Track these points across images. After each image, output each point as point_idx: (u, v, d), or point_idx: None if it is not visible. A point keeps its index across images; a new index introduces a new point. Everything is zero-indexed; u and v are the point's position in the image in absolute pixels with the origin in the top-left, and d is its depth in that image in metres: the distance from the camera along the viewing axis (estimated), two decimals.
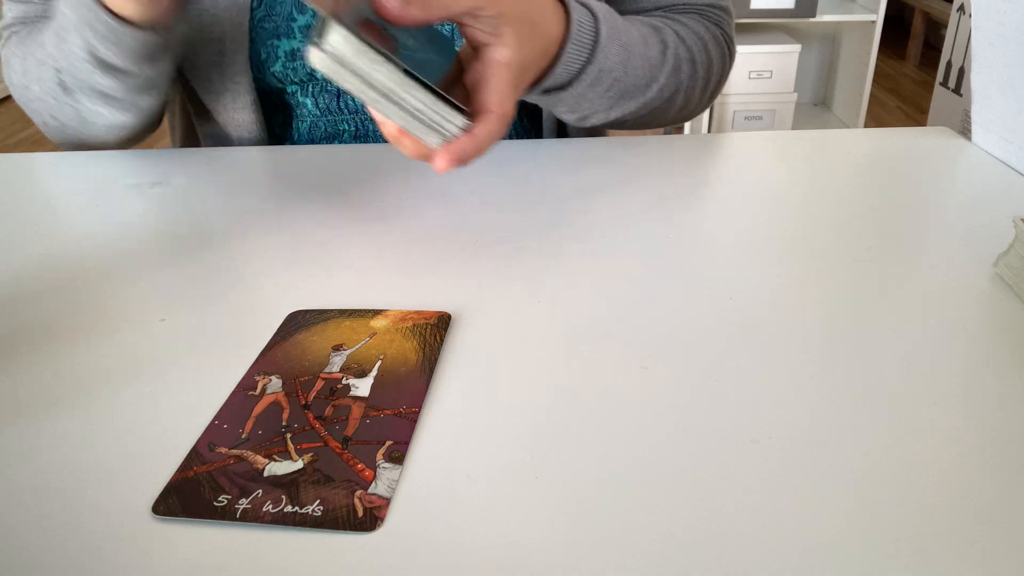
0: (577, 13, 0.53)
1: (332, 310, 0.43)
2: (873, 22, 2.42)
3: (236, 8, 0.63)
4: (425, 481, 0.32)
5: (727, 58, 0.70)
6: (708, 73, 0.66)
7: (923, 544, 0.28)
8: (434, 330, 0.41)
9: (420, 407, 0.36)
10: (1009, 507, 0.30)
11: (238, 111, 0.68)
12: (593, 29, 0.54)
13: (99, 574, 0.28)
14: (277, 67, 0.66)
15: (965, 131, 0.66)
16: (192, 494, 0.31)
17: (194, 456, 0.33)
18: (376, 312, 0.43)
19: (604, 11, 0.56)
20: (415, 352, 0.40)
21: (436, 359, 0.39)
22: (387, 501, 0.31)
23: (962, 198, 0.55)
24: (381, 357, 0.39)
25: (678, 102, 0.65)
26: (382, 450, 0.33)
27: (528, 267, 0.47)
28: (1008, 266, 0.44)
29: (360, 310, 0.43)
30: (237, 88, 0.67)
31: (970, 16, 0.65)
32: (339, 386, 0.37)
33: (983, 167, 0.60)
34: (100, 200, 0.57)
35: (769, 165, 0.61)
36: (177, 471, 0.33)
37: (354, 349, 0.40)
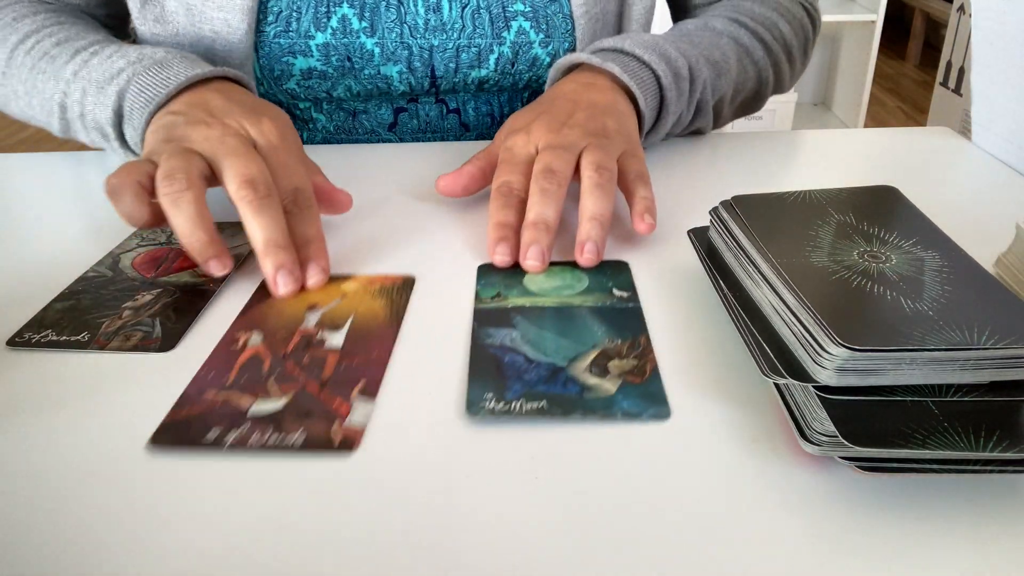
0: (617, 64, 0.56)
1: None
2: (873, 22, 2.42)
3: (237, 17, 0.61)
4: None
5: (807, 21, 0.72)
6: (787, 48, 0.69)
7: None
8: (400, 291, 0.45)
9: (390, 353, 0.39)
10: None
11: None
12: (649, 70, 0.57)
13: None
14: (291, 84, 0.64)
15: (965, 131, 0.66)
16: (184, 430, 0.34)
17: (184, 400, 0.36)
18: (346, 277, 0.46)
19: (651, 48, 0.57)
20: (383, 309, 0.43)
21: (403, 314, 0.43)
22: (362, 430, 0.34)
23: (962, 198, 0.55)
24: (352, 314, 0.43)
25: (768, 79, 0.68)
26: (356, 388, 0.37)
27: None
28: (1008, 266, 0.44)
29: (331, 276, 0.46)
30: None
31: (970, 16, 0.65)
32: (315, 339, 0.40)
33: (983, 167, 0.60)
34: (100, 200, 0.57)
35: (769, 165, 0.61)
36: (169, 413, 0.35)
37: (327, 308, 0.43)
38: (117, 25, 0.69)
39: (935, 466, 0.29)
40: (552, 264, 0.46)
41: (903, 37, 3.70)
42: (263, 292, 0.45)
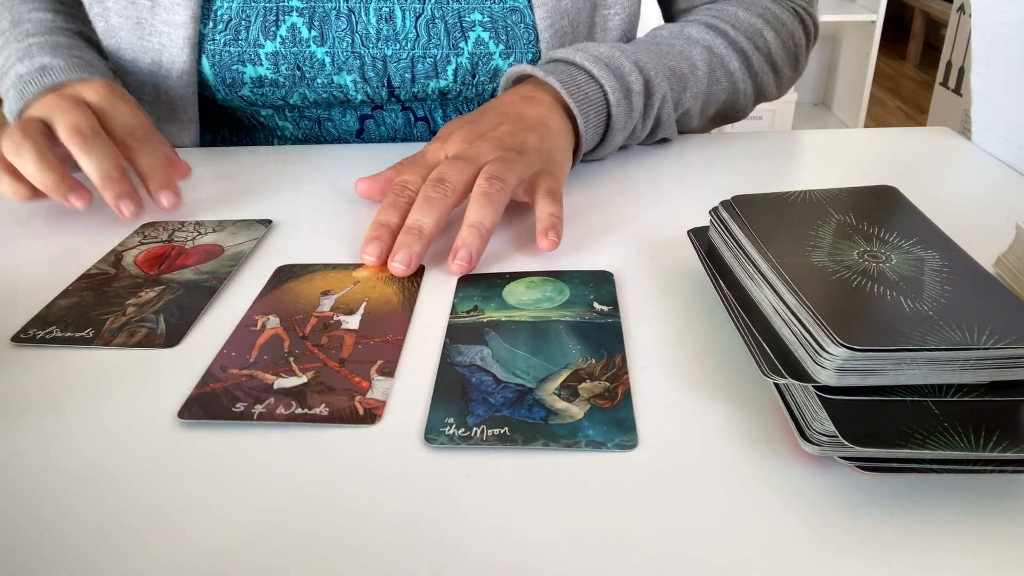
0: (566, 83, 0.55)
1: (317, 264, 0.48)
2: (873, 22, 2.42)
3: (178, 32, 0.61)
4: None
5: (797, 28, 0.70)
6: (770, 58, 0.67)
7: None
8: (411, 278, 0.46)
9: (404, 335, 0.41)
10: None
11: (173, 123, 0.66)
12: (602, 101, 0.56)
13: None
14: (245, 92, 0.64)
15: (965, 131, 0.66)
16: (212, 403, 0.36)
17: (209, 376, 0.37)
18: (357, 265, 0.47)
19: (607, 69, 0.56)
20: (396, 295, 0.44)
21: (415, 300, 0.44)
22: (383, 403, 0.36)
23: (962, 198, 0.55)
24: (366, 300, 0.44)
25: (746, 91, 0.67)
26: (375, 367, 0.38)
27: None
28: (1008, 266, 0.44)
29: (343, 264, 0.48)
30: (173, 101, 0.65)
31: (970, 16, 0.65)
32: (331, 321, 0.42)
33: (983, 167, 0.60)
34: (101, 198, 0.57)
35: (769, 165, 0.61)
36: (195, 388, 0.37)
37: (341, 294, 0.44)
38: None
39: (935, 466, 0.29)
40: (533, 275, 0.46)
41: (903, 37, 3.70)
42: (277, 279, 0.46)
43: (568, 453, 0.33)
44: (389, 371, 0.38)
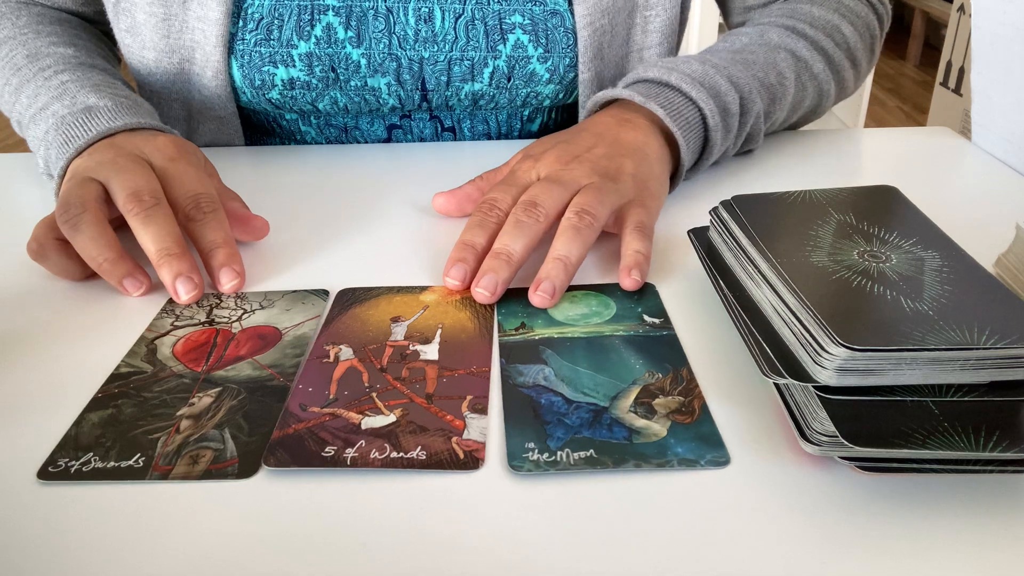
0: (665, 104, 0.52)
1: (379, 287, 0.45)
2: None
3: (208, 20, 0.59)
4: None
5: (872, 19, 0.68)
6: (850, 53, 0.65)
7: None
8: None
9: (490, 367, 0.38)
10: None
11: (210, 121, 0.65)
12: (700, 123, 0.54)
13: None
14: (274, 94, 0.62)
15: (965, 131, 0.66)
16: (297, 447, 0.33)
17: (289, 416, 0.35)
18: (423, 288, 0.45)
19: (699, 87, 0.53)
20: (471, 320, 0.42)
21: (492, 326, 0.41)
22: (482, 445, 0.33)
23: (962, 198, 0.55)
24: (440, 326, 0.41)
25: (829, 92, 0.65)
26: (465, 403, 0.36)
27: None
28: (1008, 266, 0.44)
29: (407, 287, 0.45)
30: (208, 99, 0.63)
31: (970, 16, 0.65)
32: (408, 352, 0.39)
33: (983, 167, 0.60)
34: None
35: (769, 165, 0.61)
36: (276, 429, 0.34)
37: (412, 320, 0.42)
38: (106, 20, 0.67)
39: (935, 466, 0.29)
40: (575, 289, 0.44)
41: (903, 37, 3.70)
42: (341, 304, 0.43)
43: (660, 473, 0.32)
44: (481, 408, 0.35)
